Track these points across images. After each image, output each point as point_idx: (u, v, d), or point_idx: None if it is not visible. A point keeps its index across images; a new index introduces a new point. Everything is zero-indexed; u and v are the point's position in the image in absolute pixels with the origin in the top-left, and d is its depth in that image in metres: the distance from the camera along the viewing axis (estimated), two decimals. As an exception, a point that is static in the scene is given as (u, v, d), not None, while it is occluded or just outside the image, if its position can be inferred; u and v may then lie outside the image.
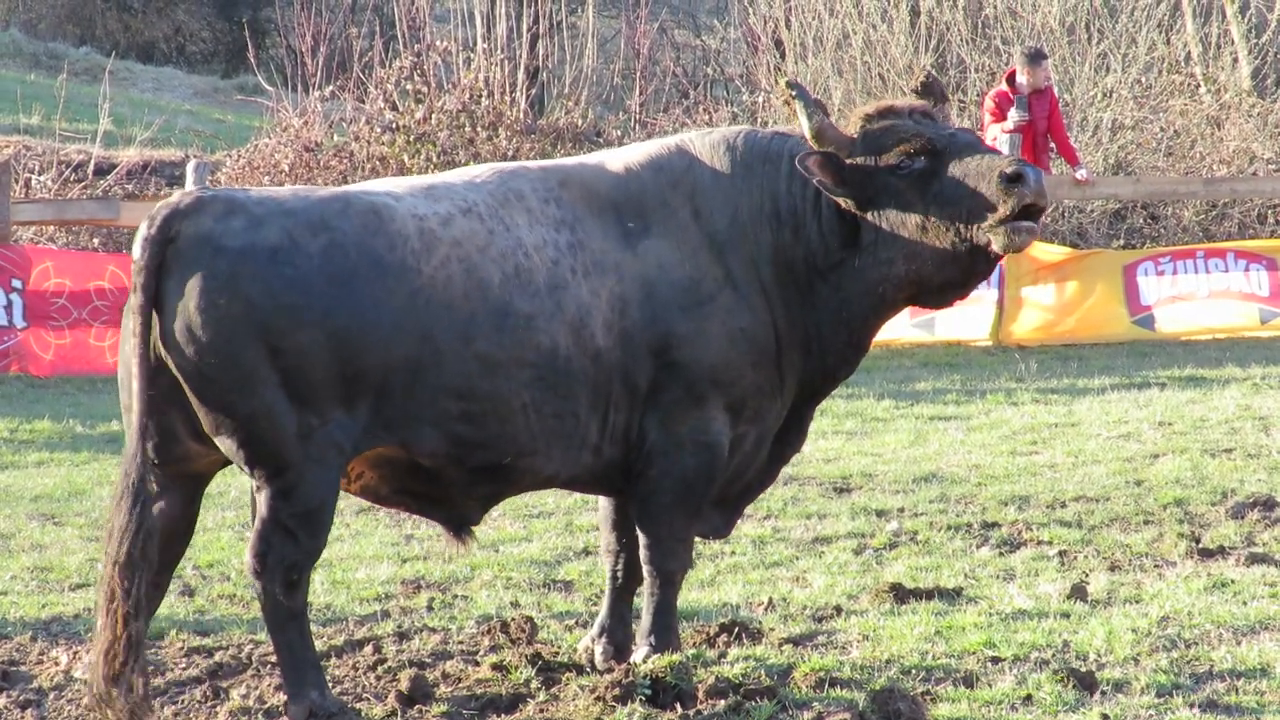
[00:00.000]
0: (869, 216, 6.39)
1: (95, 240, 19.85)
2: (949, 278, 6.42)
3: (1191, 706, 6.22)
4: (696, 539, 6.78)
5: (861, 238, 6.42)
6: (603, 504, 6.86)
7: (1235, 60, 23.36)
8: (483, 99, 20.82)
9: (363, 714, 6.29)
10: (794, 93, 6.46)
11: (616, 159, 6.64)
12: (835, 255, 6.48)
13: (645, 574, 6.59)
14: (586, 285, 6.30)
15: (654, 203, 6.49)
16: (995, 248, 6.27)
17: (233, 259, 5.89)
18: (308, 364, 5.92)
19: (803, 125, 6.43)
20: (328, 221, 6.04)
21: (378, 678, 6.75)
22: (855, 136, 6.42)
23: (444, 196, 6.29)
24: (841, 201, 6.39)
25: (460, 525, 6.52)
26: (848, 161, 6.37)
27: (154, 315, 5.90)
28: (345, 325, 5.95)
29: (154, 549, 5.94)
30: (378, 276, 6.02)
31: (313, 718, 6.09)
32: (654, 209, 6.48)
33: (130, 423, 5.95)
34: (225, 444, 5.98)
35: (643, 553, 6.57)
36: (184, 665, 6.97)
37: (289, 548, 6.02)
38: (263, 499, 6.04)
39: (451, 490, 6.33)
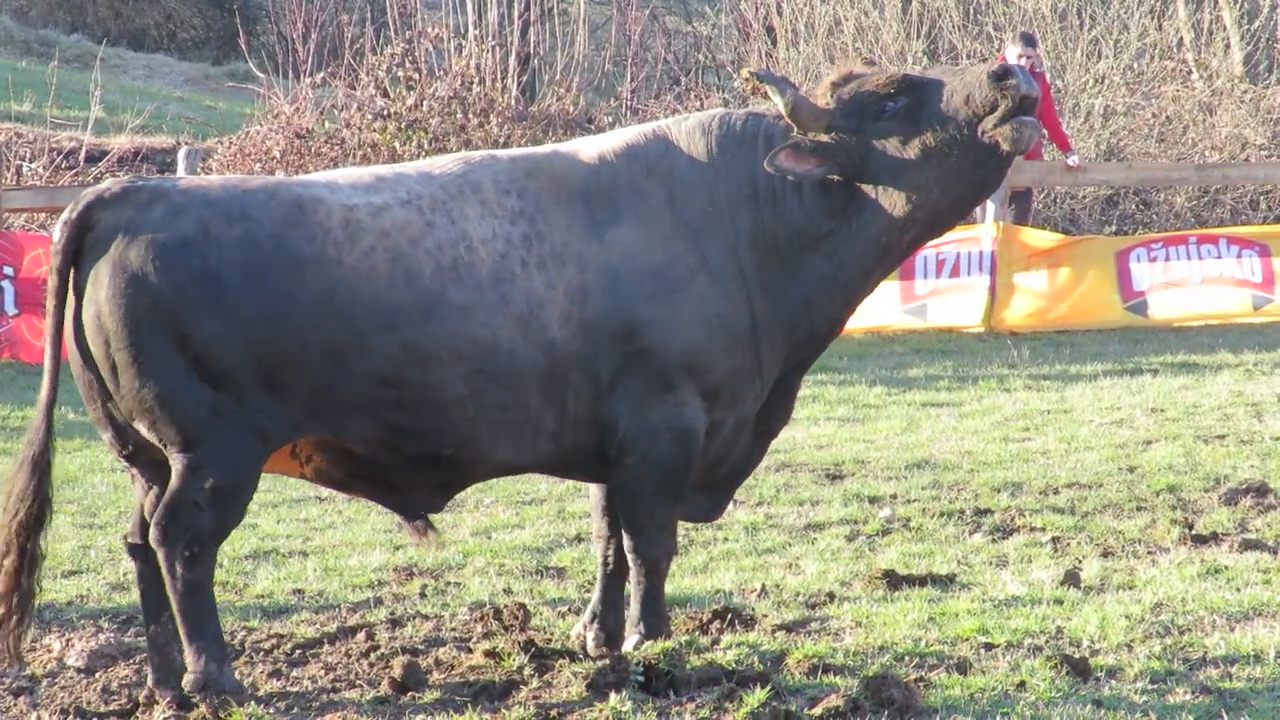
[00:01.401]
0: (864, 176, 6.37)
1: (87, 227, 19.77)
2: (957, 197, 6.40)
3: (1185, 693, 6.22)
4: (687, 525, 6.77)
5: (857, 198, 6.40)
6: (594, 490, 6.85)
7: (1227, 46, 23.35)
8: (474, 86, 20.75)
9: (356, 701, 6.28)
10: (759, 78, 6.46)
11: (593, 146, 6.61)
12: (824, 226, 6.47)
13: (630, 562, 6.59)
14: (540, 277, 6.27)
15: (626, 190, 6.46)
16: (1005, 147, 6.25)
17: (143, 249, 5.95)
18: (220, 352, 5.97)
19: (777, 104, 6.41)
20: (247, 213, 6.07)
21: (370, 664, 6.75)
22: (830, 107, 6.40)
23: (389, 188, 6.29)
24: (833, 175, 6.39)
25: (418, 515, 6.52)
26: (829, 136, 6.35)
27: (67, 298, 6.00)
28: (256, 316, 5.99)
29: (49, 515, 6.18)
30: (293, 268, 6.04)
31: (205, 690, 6.09)
32: (625, 196, 6.45)
33: (42, 399, 6.11)
34: (140, 425, 6.07)
35: (626, 541, 6.57)
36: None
37: (194, 521, 6.05)
38: (174, 472, 6.08)
39: (397, 478, 6.34)
